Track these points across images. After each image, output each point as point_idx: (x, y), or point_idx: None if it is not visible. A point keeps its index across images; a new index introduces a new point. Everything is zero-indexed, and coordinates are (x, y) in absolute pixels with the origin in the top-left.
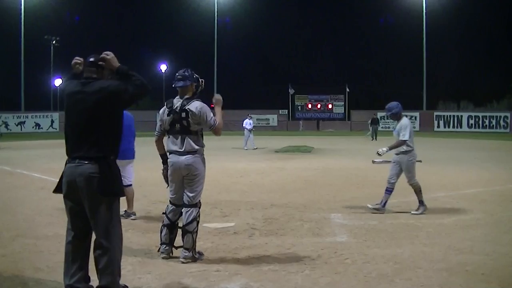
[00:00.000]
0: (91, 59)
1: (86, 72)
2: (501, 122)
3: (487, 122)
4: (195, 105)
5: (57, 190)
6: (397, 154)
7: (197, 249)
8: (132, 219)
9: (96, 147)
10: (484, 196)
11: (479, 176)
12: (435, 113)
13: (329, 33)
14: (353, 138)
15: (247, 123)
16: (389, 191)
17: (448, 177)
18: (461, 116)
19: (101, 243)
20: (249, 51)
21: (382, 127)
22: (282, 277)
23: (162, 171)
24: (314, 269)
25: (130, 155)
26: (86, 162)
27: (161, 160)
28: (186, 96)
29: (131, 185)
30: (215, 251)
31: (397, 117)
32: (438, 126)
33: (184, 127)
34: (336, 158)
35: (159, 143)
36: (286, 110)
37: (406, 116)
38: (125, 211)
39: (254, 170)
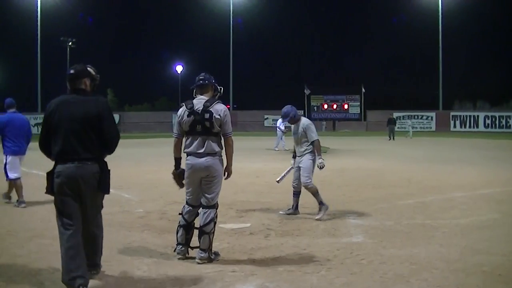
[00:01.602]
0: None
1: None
2: None
3: (503, 122)
4: (220, 108)
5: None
6: (299, 156)
7: (213, 249)
8: (23, 207)
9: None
10: (501, 196)
11: (496, 176)
12: (451, 113)
13: (345, 33)
14: (369, 138)
15: (281, 123)
16: (296, 194)
17: (465, 177)
18: (478, 116)
19: (94, 231)
20: (264, 52)
21: (398, 127)
22: (298, 278)
23: (173, 174)
24: (330, 270)
25: (24, 151)
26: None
27: (175, 163)
28: (207, 98)
29: (20, 177)
30: (231, 251)
31: (295, 120)
32: (455, 126)
33: (206, 128)
34: (352, 158)
35: (178, 145)
36: (302, 111)
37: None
38: (17, 200)
39: (270, 171)
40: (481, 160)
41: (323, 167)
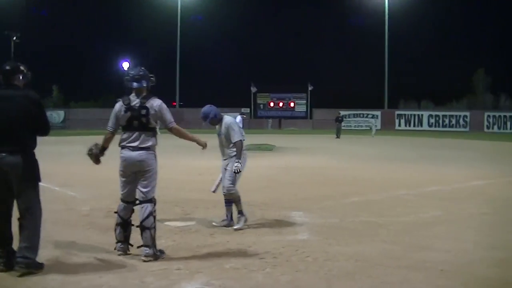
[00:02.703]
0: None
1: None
2: (461, 121)
3: (447, 121)
4: (156, 103)
5: None
6: (226, 159)
7: (159, 247)
8: None
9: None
10: (444, 194)
11: (439, 174)
12: (396, 112)
13: (293, 32)
14: (315, 137)
15: (240, 121)
16: (228, 203)
17: (409, 175)
18: (422, 115)
19: (21, 222)
20: (211, 49)
21: (344, 126)
22: (244, 275)
23: (90, 150)
24: (275, 267)
25: None
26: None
27: (100, 148)
28: (144, 94)
29: None
30: (177, 249)
31: (217, 120)
32: (399, 125)
33: (142, 124)
34: (298, 156)
35: (110, 138)
36: (249, 109)
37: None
38: None
39: (214, 168)
40: (425, 158)
41: (238, 172)
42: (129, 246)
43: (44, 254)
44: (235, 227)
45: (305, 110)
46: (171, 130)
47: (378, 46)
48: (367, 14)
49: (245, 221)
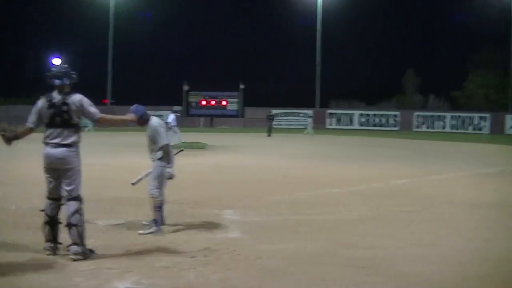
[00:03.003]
0: None
1: None
2: (391, 121)
3: (377, 120)
4: (76, 98)
5: None
6: (153, 161)
7: (88, 247)
8: None
9: None
10: (372, 192)
11: (367, 172)
12: (328, 111)
13: (225, 29)
14: (246, 135)
15: (174, 119)
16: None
17: (338, 173)
18: (353, 114)
19: None
20: (143, 46)
21: (276, 124)
22: (175, 274)
23: (3, 130)
24: (206, 265)
25: None
26: None
27: (14, 135)
28: (65, 91)
29: None
30: (106, 248)
31: (143, 121)
32: (331, 124)
33: (65, 120)
34: (229, 155)
35: (27, 133)
36: (180, 107)
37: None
38: None
39: (144, 166)
40: (355, 157)
41: (172, 178)
42: (58, 245)
43: None
44: (139, 231)
45: (237, 108)
46: (99, 121)
47: (310, 45)
48: (299, 13)
49: (156, 231)
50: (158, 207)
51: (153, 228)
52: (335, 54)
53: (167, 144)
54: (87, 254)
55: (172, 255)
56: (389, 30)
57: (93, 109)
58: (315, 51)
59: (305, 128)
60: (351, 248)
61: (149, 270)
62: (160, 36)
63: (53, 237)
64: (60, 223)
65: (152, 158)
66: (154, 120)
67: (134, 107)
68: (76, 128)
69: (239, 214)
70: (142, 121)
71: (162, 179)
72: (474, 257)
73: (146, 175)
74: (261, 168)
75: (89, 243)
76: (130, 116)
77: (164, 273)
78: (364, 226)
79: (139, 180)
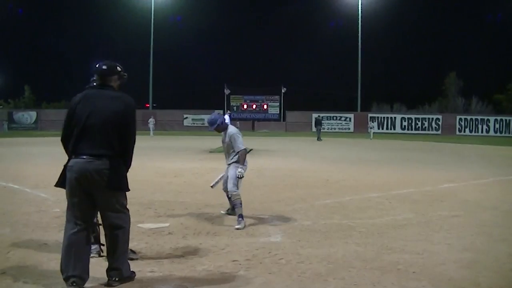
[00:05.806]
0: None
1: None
2: (433, 124)
3: (419, 124)
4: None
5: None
6: (228, 164)
7: (131, 248)
8: None
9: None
10: (415, 196)
11: (410, 176)
12: (369, 115)
13: (267, 34)
14: (288, 139)
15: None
16: (230, 197)
17: (381, 177)
18: (395, 117)
19: (110, 231)
20: (185, 51)
21: (324, 128)
22: (217, 277)
23: None
24: (248, 269)
25: None
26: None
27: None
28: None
29: None
30: (149, 251)
31: (222, 127)
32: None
33: None
34: (271, 159)
35: None
36: (222, 111)
37: (236, 124)
38: None
39: (188, 170)
40: (397, 161)
41: (241, 177)
42: (102, 247)
43: (15, 257)
44: (236, 226)
45: (278, 112)
46: None
47: (352, 49)
48: (341, 17)
49: (244, 225)
50: (240, 204)
51: (242, 222)
52: (377, 57)
53: (244, 149)
54: (131, 257)
55: (214, 259)
56: (431, 33)
57: None
58: (356, 53)
59: (369, 133)
60: (401, 252)
61: (192, 273)
62: (201, 40)
63: (95, 239)
64: (100, 224)
65: (228, 162)
66: (232, 129)
67: (213, 115)
68: None
69: (282, 218)
70: (221, 128)
71: (238, 179)
72: None
73: (221, 178)
74: (302, 172)
75: (133, 245)
76: None
77: (206, 276)
78: (413, 230)
79: (217, 182)
